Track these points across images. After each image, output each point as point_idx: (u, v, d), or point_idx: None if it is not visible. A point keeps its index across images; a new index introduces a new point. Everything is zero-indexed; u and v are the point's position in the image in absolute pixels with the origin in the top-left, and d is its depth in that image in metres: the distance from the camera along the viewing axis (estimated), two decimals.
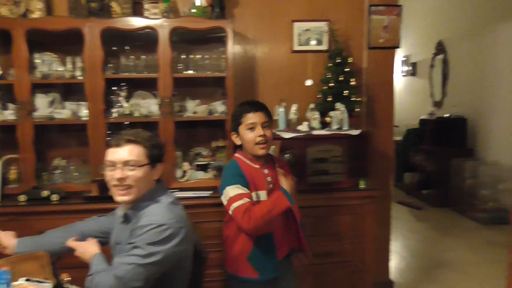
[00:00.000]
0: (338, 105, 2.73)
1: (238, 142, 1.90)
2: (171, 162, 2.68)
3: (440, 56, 6.36)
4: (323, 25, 2.94)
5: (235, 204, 1.73)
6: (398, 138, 6.94)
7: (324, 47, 2.96)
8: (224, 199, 1.81)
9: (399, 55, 7.94)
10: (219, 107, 2.81)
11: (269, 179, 1.90)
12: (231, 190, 1.76)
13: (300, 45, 2.99)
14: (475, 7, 5.58)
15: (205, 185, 2.72)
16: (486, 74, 5.32)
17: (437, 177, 5.75)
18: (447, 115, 5.83)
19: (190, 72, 2.76)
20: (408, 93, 7.71)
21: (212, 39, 2.80)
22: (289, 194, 1.78)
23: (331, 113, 2.74)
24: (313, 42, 2.98)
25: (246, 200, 1.73)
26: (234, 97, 2.68)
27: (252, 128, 1.83)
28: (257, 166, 1.89)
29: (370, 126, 3.04)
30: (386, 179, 3.10)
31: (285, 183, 1.82)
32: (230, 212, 1.77)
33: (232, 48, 2.62)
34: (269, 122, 1.88)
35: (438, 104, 6.43)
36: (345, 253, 2.69)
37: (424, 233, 4.78)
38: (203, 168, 2.86)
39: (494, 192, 4.95)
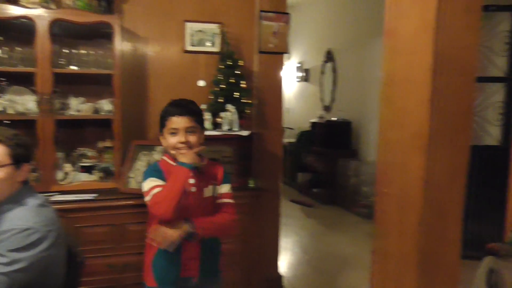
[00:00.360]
0: (229, 106, 2.78)
1: (164, 144, 1.79)
2: (51, 163, 2.50)
3: (330, 64, 6.84)
4: (215, 27, 2.97)
5: (148, 197, 1.65)
6: (292, 140, 7.30)
7: (216, 49, 3.00)
8: (145, 198, 1.73)
9: (294, 61, 8.38)
10: (106, 106, 2.68)
11: (191, 181, 1.76)
12: (146, 185, 1.69)
13: (192, 45, 2.99)
14: (358, 21, 6.10)
15: (89, 188, 2.58)
16: (366, 82, 5.85)
17: (326, 177, 6.16)
18: (335, 118, 6.28)
19: (73, 67, 2.60)
20: (301, 98, 8.16)
21: (99, 34, 2.67)
22: (187, 164, 1.66)
23: (222, 114, 2.78)
24: (206, 43, 3.00)
25: (157, 189, 1.64)
26: (123, 96, 2.61)
27: (174, 133, 1.72)
28: None
29: (261, 128, 3.15)
30: (275, 178, 3.23)
31: (183, 157, 1.69)
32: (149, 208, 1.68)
33: (120, 45, 2.52)
34: (196, 127, 1.75)
35: (327, 108, 6.91)
36: (236, 252, 2.74)
37: (314, 229, 5.09)
38: (88, 169, 2.70)
39: (373, 188, 5.46)
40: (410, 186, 1.55)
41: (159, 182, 1.68)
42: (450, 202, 1.52)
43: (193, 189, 1.76)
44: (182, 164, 1.66)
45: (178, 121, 1.71)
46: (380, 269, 1.80)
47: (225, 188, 1.88)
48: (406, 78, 1.54)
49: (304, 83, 7.97)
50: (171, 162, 1.77)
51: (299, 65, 8.07)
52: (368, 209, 5.37)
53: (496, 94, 3.79)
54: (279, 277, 3.34)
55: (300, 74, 8.04)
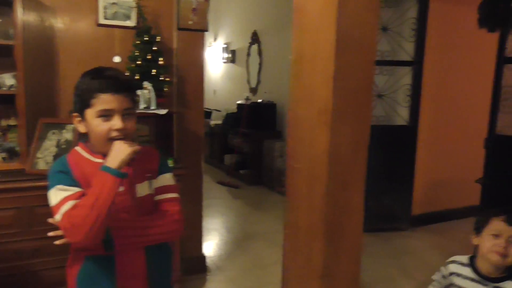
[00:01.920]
0: (146, 84, 2.69)
1: (82, 129, 1.34)
2: None
3: (255, 46, 6.87)
4: (131, 0, 2.84)
5: (58, 216, 1.22)
6: (219, 122, 7.29)
7: (132, 23, 2.87)
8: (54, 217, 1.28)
9: (220, 42, 8.31)
10: (8, 80, 2.47)
11: None
12: (53, 196, 1.25)
13: (106, 18, 2.83)
14: (282, 2, 6.16)
15: None
16: (289, 65, 5.95)
17: (252, 158, 6.25)
18: (260, 100, 6.36)
19: None
20: (228, 79, 8.14)
21: None
22: (112, 168, 1.23)
23: (139, 92, 2.68)
24: (121, 17, 2.86)
25: (70, 204, 1.21)
26: (28, 70, 2.42)
27: (106, 115, 1.28)
28: (98, 161, 1.32)
29: (181, 107, 3.09)
30: (196, 158, 3.21)
31: (113, 158, 1.25)
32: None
33: (21, 14, 2.32)
34: (134, 109, 1.34)
35: (253, 90, 6.97)
36: None
37: (240, 209, 5.16)
38: None
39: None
40: (317, 160, 1.60)
41: (70, 190, 1.25)
42: (353, 174, 1.60)
43: (121, 188, 1.31)
44: (109, 170, 1.23)
45: (113, 101, 1.26)
46: (291, 242, 1.86)
47: (164, 180, 1.44)
48: (312, 56, 1.59)
49: (230, 64, 7.95)
50: (89, 156, 1.35)
51: (226, 46, 8.02)
52: None
53: (404, 77, 4.07)
54: (202, 256, 3.36)
55: (227, 55, 8.00)
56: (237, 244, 3.97)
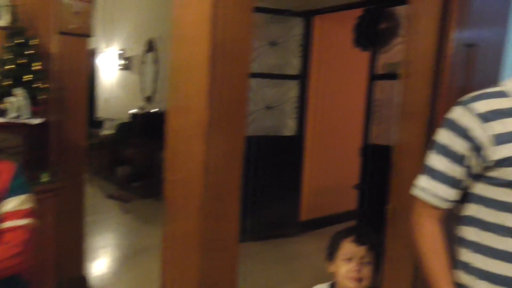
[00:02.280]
0: (17, 90, 2.47)
1: None
2: None
3: (151, 54, 6.72)
4: None
5: None
6: (111, 131, 6.97)
7: (3, 23, 2.62)
8: None
9: (115, 48, 7.99)
10: None
11: None
12: None
13: None
14: None
15: None
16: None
17: (146, 169, 6.05)
18: (156, 110, 6.22)
19: None
20: (123, 87, 7.84)
21: None
22: None
23: (9, 99, 2.45)
24: None
25: None
26: None
27: None
28: None
29: (60, 115, 2.88)
30: (77, 170, 3.01)
31: None
32: None
33: None
34: None
35: (148, 99, 6.78)
36: None
37: (130, 225, 4.95)
38: None
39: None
40: (193, 171, 1.61)
41: None
42: (228, 185, 1.64)
43: None
44: None
45: None
46: (169, 254, 1.84)
47: (12, 204, 1.27)
48: (189, 67, 1.60)
49: (125, 72, 7.66)
50: None
51: (121, 52, 7.72)
52: None
53: (291, 90, 4.31)
54: (83, 278, 3.13)
55: (122, 62, 7.70)
56: (125, 261, 3.80)
